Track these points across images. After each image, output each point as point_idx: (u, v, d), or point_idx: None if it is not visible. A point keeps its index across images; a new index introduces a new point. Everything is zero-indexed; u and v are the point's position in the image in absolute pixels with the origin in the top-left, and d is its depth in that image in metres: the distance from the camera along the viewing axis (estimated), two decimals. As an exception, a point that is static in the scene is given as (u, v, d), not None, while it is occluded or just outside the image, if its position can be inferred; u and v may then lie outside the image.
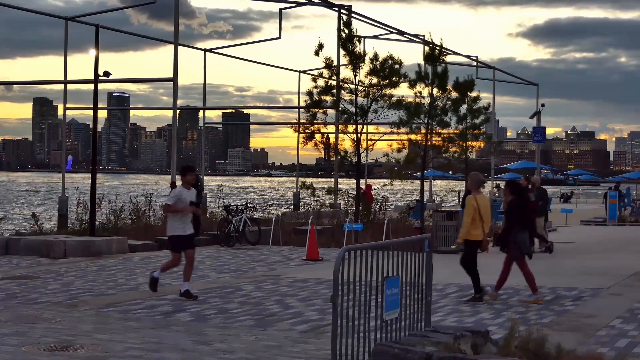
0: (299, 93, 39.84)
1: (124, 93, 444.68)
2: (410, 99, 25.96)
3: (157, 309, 12.48)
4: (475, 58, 44.30)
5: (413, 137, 26.64)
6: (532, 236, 14.31)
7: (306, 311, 12.39)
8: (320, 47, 25.78)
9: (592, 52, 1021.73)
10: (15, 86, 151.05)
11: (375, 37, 36.70)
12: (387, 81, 25.48)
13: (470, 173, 14.38)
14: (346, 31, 25.88)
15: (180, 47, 25.40)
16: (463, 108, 28.27)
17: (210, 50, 37.45)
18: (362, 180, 30.53)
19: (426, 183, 38.16)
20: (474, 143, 31.76)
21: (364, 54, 25.63)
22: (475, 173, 14.07)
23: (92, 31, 24.31)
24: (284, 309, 12.61)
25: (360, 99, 25.86)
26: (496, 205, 29.39)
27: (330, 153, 27.87)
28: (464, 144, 29.47)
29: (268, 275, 16.89)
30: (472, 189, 13.69)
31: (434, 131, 26.54)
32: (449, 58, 33.06)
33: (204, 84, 38.07)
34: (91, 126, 26.21)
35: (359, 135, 26.02)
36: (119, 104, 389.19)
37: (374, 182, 35.43)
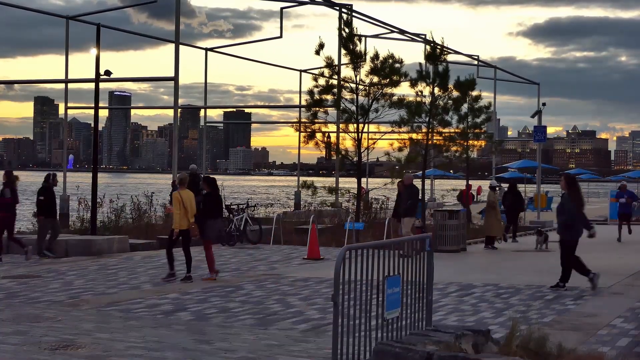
0: (300, 92, 39.89)
1: (125, 92, 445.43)
2: (411, 98, 25.95)
3: (158, 308, 12.48)
4: (476, 57, 44.29)
5: (414, 136, 26.63)
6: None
7: (307, 310, 12.39)
8: (321, 46, 25.77)
9: (592, 51, 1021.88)
10: (16, 85, 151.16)
11: (376, 36, 36.69)
12: (388, 80, 25.46)
13: (179, 174, 17.02)
14: (347, 30, 25.86)
15: (181, 46, 25.40)
16: (464, 107, 28.24)
17: (212, 49, 37.45)
18: (363, 180, 30.55)
19: (427, 182, 38.20)
20: (475, 142, 31.71)
21: (365, 53, 25.62)
22: (182, 173, 16.79)
23: (93, 30, 24.31)
24: (285, 308, 12.61)
25: (361, 98, 25.85)
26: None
27: (332, 152, 27.85)
28: (465, 143, 29.44)
29: (269, 274, 16.90)
30: (180, 184, 16.12)
31: (435, 130, 26.52)
32: (450, 57, 33.07)
33: (205, 83, 38.09)
34: (92, 125, 26.21)
35: (360, 134, 26.01)
36: (120, 103, 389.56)
37: (375, 182, 35.44)
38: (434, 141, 26.85)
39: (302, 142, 27.71)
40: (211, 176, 17.04)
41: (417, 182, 23.68)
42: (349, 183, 38.06)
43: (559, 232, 15.38)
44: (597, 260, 20.77)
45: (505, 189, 29.04)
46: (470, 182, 33.32)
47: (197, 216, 15.95)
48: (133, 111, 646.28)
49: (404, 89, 38.93)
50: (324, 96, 26.00)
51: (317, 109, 26.18)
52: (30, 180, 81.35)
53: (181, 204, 15.59)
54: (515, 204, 26.56)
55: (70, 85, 30.71)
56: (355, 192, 27.48)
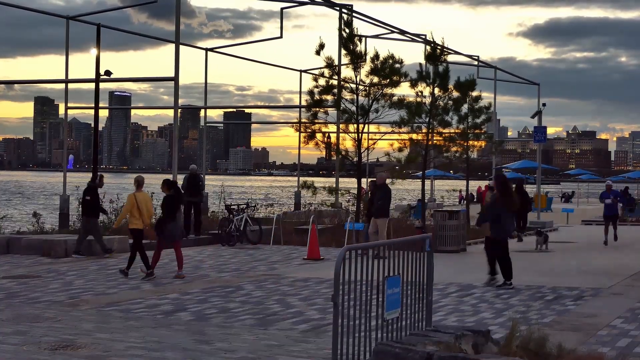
0: (300, 92, 39.84)
1: (125, 92, 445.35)
2: (411, 99, 25.92)
3: (158, 308, 12.48)
4: (476, 58, 44.25)
5: (414, 136, 26.59)
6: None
7: (307, 310, 12.39)
8: (321, 46, 25.71)
9: (592, 51, 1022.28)
10: (16, 85, 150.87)
11: (376, 36, 36.66)
12: (388, 80, 25.41)
13: (136, 177, 17.09)
14: (347, 30, 25.81)
15: (181, 47, 25.38)
16: (464, 107, 28.23)
17: (212, 50, 37.41)
18: (363, 180, 30.52)
19: (427, 182, 38.20)
20: (475, 142, 31.72)
21: (365, 54, 25.57)
22: (139, 175, 16.94)
23: (93, 30, 24.31)
24: (285, 308, 12.61)
25: (361, 99, 25.78)
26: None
27: (332, 152, 27.82)
28: (465, 144, 29.44)
29: (269, 275, 16.90)
30: (136, 186, 16.43)
31: (435, 131, 26.51)
32: (450, 58, 33.00)
33: (205, 83, 38.04)
34: (92, 125, 26.20)
35: (360, 134, 25.97)
36: (120, 103, 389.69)
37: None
38: (434, 141, 26.83)
39: (302, 142, 27.65)
40: (171, 179, 17.50)
41: (417, 183, 23.67)
42: (349, 183, 38.09)
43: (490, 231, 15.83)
44: (597, 260, 20.78)
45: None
46: (471, 182, 33.35)
47: (160, 218, 16.51)
48: (133, 111, 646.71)
49: (404, 90, 38.73)
50: (324, 96, 25.95)
51: (317, 109, 26.13)
52: (30, 180, 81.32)
53: (136, 206, 16.05)
54: (523, 204, 26.90)
55: (70, 85, 30.67)
56: (355, 193, 27.46)
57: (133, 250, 16.44)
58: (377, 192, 21.44)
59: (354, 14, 28.43)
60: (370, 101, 25.71)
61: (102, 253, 19.75)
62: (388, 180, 26.75)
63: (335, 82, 26.39)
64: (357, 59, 25.46)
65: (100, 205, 20.94)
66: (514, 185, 29.96)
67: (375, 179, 22.70)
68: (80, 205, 21.20)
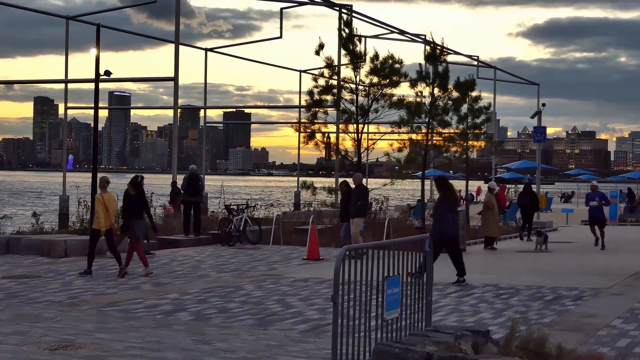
0: (299, 92, 39.88)
1: (124, 92, 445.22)
2: (411, 99, 25.94)
3: (158, 308, 12.48)
4: (476, 58, 44.28)
5: (414, 136, 26.61)
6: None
7: (307, 310, 12.39)
8: (321, 46, 25.77)
9: (592, 52, 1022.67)
10: (16, 85, 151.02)
11: (376, 36, 36.70)
12: (388, 81, 25.45)
13: (101, 177, 17.50)
14: (347, 31, 25.85)
15: (180, 47, 25.40)
16: (464, 108, 28.23)
17: (211, 50, 37.44)
18: (363, 180, 30.42)
19: (427, 183, 38.17)
20: (475, 143, 31.72)
21: (365, 54, 25.61)
22: (104, 176, 17.39)
23: (92, 30, 24.26)
24: (284, 308, 12.61)
25: (361, 99, 25.84)
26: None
27: (331, 153, 27.84)
28: (465, 144, 29.44)
29: (269, 275, 16.90)
30: (101, 187, 16.91)
31: (434, 131, 26.52)
32: (450, 58, 33.03)
33: (205, 83, 38.07)
34: (92, 125, 26.22)
35: (359, 134, 26.00)
36: (120, 103, 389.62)
37: (375, 182, 35.44)
38: (434, 142, 26.84)
39: (302, 142, 27.71)
40: (137, 179, 17.67)
41: (417, 182, 23.67)
42: (349, 184, 37.96)
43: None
44: (597, 261, 20.79)
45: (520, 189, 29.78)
46: (471, 182, 33.41)
47: (124, 217, 17.06)
48: (133, 111, 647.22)
49: (403, 90, 38.75)
50: (323, 96, 25.99)
51: (317, 109, 26.17)
52: (31, 180, 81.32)
53: (103, 205, 16.47)
54: (531, 204, 27.29)
55: (70, 86, 30.69)
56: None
57: (111, 249, 16.72)
58: (355, 192, 20.96)
59: (353, 14, 28.46)
60: (370, 101, 25.74)
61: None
62: (388, 181, 26.80)
63: (335, 82, 26.42)
64: (356, 59, 25.49)
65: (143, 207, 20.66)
66: (522, 186, 30.15)
67: (346, 179, 22.65)
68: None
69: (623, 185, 76.75)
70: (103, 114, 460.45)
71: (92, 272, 16.29)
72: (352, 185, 21.04)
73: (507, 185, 47.25)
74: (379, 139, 28.72)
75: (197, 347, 9.41)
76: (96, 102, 24.78)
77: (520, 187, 39.25)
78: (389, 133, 28.43)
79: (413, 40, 36.96)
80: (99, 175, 22.31)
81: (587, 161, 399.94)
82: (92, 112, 25.04)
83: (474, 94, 28.95)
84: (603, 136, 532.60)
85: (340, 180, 23.36)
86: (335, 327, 7.20)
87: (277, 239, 23.72)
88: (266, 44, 40.89)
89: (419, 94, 25.93)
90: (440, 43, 27.14)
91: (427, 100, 25.90)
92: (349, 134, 26.54)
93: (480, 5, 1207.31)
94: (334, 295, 7.17)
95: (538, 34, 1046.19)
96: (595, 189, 25.22)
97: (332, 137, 28.34)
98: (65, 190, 29.77)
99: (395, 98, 25.67)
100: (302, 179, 34.70)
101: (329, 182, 34.30)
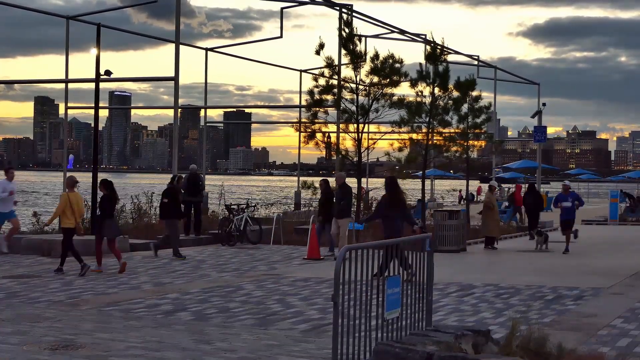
0: (300, 92, 39.82)
1: (125, 92, 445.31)
2: (411, 98, 25.94)
3: (158, 308, 12.48)
4: (476, 57, 44.25)
5: (414, 136, 26.62)
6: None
7: (307, 310, 12.39)
8: (321, 46, 25.75)
9: (592, 51, 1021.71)
10: (16, 85, 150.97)
11: (376, 36, 36.62)
12: (388, 80, 25.44)
13: (68, 177, 17.89)
14: (347, 30, 25.84)
15: (181, 46, 25.38)
16: (464, 107, 28.24)
17: (212, 50, 37.40)
18: (363, 180, 30.49)
19: (427, 182, 38.19)
20: (475, 142, 31.73)
21: (365, 53, 25.60)
22: (71, 176, 17.65)
23: (93, 30, 24.29)
24: (285, 308, 12.61)
25: (361, 98, 25.82)
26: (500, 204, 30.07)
27: (332, 152, 27.82)
28: (465, 143, 29.45)
29: (269, 275, 16.90)
30: (69, 187, 17.29)
31: (435, 130, 26.52)
32: (450, 57, 33.00)
33: (205, 83, 38.03)
34: (92, 125, 26.20)
35: (360, 134, 25.99)
36: (120, 103, 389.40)
37: (375, 182, 35.45)
38: (434, 141, 26.84)
39: (302, 142, 27.70)
40: (108, 179, 18.11)
41: (418, 182, 23.65)
42: (349, 183, 37.99)
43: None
44: (596, 261, 20.78)
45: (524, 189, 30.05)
46: (471, 182, 33.42)
47: (98, 217, 17.57)
48: (133, 111, 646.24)
49: (404, 89, 38.79)
50: (324, 96, 25.98)
51: (317, 109, 26.16)
52: (30, 180, 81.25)
53: (69, 205, 16.79)
54: (536, 204, 27.38)
55: (70, 85, 30.66)
56: (355, 192, 27.45)
57: (64, 248, 16.88)
58: (338, 192, 20.75)
59: (353, 14, 28.41)
60: (370, 101, 25.73)
61: (176, 257, 19.61)
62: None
63: (335, 82, 26.40)
64: (357, 59, 25.48)
65: (179, 208, 20.61)
66: (526, 185, 30.19)
67: (325, 178, 22.65)
68: (159, 208, 21.12)
69: (623, 185, 76.77)
70: (103, 113, 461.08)
71: (64, 270, 16.53)
72: (332, 185, 21.06)
73: (504, 185, 47.36)
74: (379, 139, 28.71)
75: (198, 347, 9.41)
76: (96, 101, 24.79)
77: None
78: (389, 133, 28.42)
79: (413, 40, 36.91)
80: (99, 175, 22.41)
81: (587, 161, 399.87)
82: (92, 111, 25.04)
83: (475, 93, 28.98)
84: (603, 136, 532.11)
85: (320, 179, 23.24)
86: (335, 327, 7.20)
87: (277, 239, 23.72)
88: (266, 43, 40.85)
89: (420, 93, 25.96)
90: (440, 43, 27.15)
91: (428, 100, 25.91)
92: (350, 134, 26.53)
93: (480, 4, 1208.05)
94: (334, 295, 7.17)
95: (538, 33, 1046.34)
96: (567, 189, 23.09)
97: (333, 136, 28.33)
98: (65, 190, 29.71)
99: (395, 98, 25.67)
100: (302, 178, 34.69)
101: (329, 182, 34.22)
